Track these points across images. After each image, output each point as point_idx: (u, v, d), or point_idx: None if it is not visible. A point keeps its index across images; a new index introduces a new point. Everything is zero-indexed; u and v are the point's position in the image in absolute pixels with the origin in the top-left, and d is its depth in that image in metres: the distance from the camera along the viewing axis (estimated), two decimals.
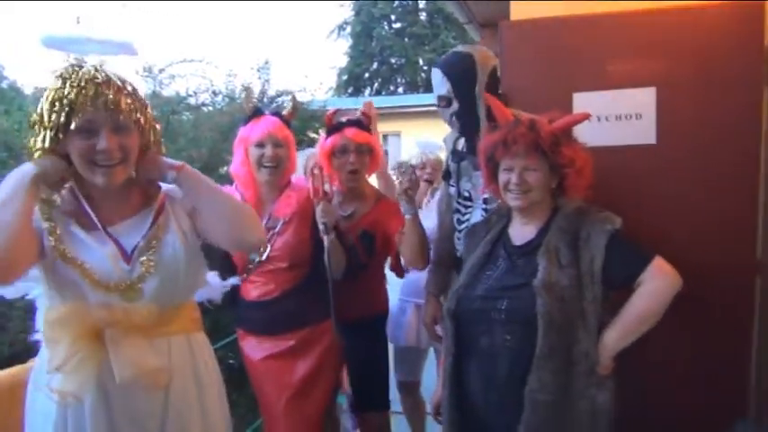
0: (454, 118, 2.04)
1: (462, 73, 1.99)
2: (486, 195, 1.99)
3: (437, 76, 2.04)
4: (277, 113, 2.19)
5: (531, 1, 2.42)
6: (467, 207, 2.07)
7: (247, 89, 2.55)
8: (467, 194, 2.06)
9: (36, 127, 1.32)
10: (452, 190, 2.14)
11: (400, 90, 23.06)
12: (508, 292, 1.56)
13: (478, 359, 1.60)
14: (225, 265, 2.05)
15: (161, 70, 3.70)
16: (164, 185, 1.50)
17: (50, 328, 1.32)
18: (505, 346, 1.53)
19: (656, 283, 1.49)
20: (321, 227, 2.06)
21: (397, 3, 22.87)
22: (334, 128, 2.32)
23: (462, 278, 1.70)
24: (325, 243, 2.08)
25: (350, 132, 2.29)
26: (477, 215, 2.02)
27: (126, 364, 1.32)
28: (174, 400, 1.42)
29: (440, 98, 2.05)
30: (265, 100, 4.06)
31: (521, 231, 1.66)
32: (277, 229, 2.09)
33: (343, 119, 2.34)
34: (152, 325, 1.38)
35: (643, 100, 2.15)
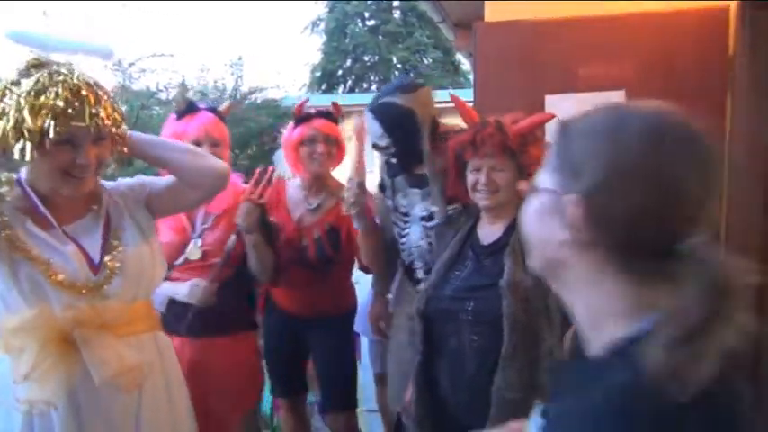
0: (392, 159, 2.04)
1: (404, 130, 1.91)
2: (423, 213, 1.98)
3: (374, 126, 1.94)
4: (213, 109, 2.13)
5: (505, 2, 2.44)
6: (405, 222, 2.06)
7: (182, 84, 2.49)
8: (403, 210, 2.05)
9: (11, 132, 1.22)
10: (389, 203, 2.13)
11: (373, 88, 23.04)
12: (475, 292, 1.57)
13: (448, 359, 1.61)
14: None
15: (131, 64, 3.64)
16: (107, 183, 1.48)
17: (14, 336, 1.27)
18: (473, 346, 1.55)
19: None
20: (239, 226, 2.04)
21: (370, 1, 22.84)
22: (302, 118, 2.29)
23: (431, 278, 1.71)
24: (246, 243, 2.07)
25: (318, 123, 2.27)
26: (416, 231, 2.01)
27: (103, 365, 1.30)
28: (147, 399, 1.40)
29: (376, 145, 2.00)
30: (238, 96, 4.03)
31: (488, 230, 1.68)
32: (208, 224, 2.06)
33: (312, 110, 2.32)
34: (122, 323, 1.36)
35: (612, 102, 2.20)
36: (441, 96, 2.31)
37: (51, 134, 1.21)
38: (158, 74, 4.60)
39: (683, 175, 0.65)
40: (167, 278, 1.94)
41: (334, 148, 2.32)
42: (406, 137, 1.91)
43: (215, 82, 4.03)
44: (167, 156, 1.51)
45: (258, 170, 2.11)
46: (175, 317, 1.95)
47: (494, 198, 1.62)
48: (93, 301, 1.32)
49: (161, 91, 3.80)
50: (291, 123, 2.33)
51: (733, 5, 2.12)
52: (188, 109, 2.06)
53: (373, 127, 1.94)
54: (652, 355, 0.59)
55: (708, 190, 0.67)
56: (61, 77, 1.25)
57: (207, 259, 2.05)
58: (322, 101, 2.66)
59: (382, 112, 1.92)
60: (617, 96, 2.19)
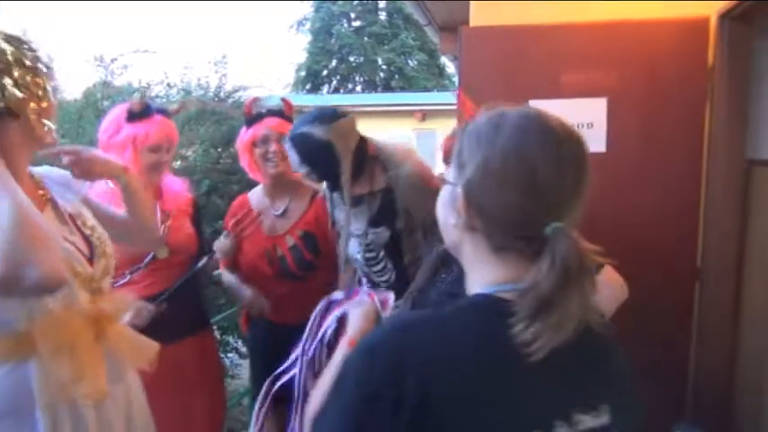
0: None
1: (320, 161, 1.88)
2: (357, 232, 1.97)
3: (292, 154, 1.90)
4: (164, 111, 2.07)
5: (491, 6, 2.46)
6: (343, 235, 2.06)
7: (146, 87, 2.45)
8: (340, 224, 2.04)
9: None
10: (330, 215, 2.12)
11: (358, 89, 23.04)
12: (460, 298, 1.58)
13: None
14: None
15: (113, 59, 3.60)
16: (35, 169, 1.38)
17: (44, 338, 1.16)
18: None
19: (605, 292, 1.45)
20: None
21: (356, 1, 22.83)
22: (253, 118, 2.21)
23: (417, 280, 1.70)
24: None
25: (271, 122, 2.19)
26: (354, 244, 2.00)
27: (136, 352, 1.32)
28: (132, 390, 1.40)
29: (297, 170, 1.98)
30: (222, 94, 4.00)
31: None
32: (169, 222, 2.04)
33: (263, 109, 2.24)
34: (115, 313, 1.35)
35: (595, 109, 2.23)
36: (425, 98, 2.32)
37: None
38: (141, 70, 4.55)
39: (544, 176, 0.77)
40: (130, 282, 1.93)
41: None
42: (323, 167, 1.89)
43: (198, 80, 4.00)
44: (141, 210, 1.52)
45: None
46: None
47: None
48: (95, 293, 1.30)
49: (143, 87, 3.75)
50: (244, 126, 2.25)
51: (713, 17, 2.16)
52: (144, 111, 1.96)
53: (292, 156, 1.91)
54: (517, 324, 0.73)
55: (568, 187, 0.80)
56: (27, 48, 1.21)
57: (173, 257, 2.03)
58: (307, 101, 2.65)
59: (298, 144, 1.87)
60: (600, 104, 2.22)
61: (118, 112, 1.99)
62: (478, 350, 0.76)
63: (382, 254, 2.00)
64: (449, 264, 1.68)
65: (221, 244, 2.22)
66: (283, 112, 2.24)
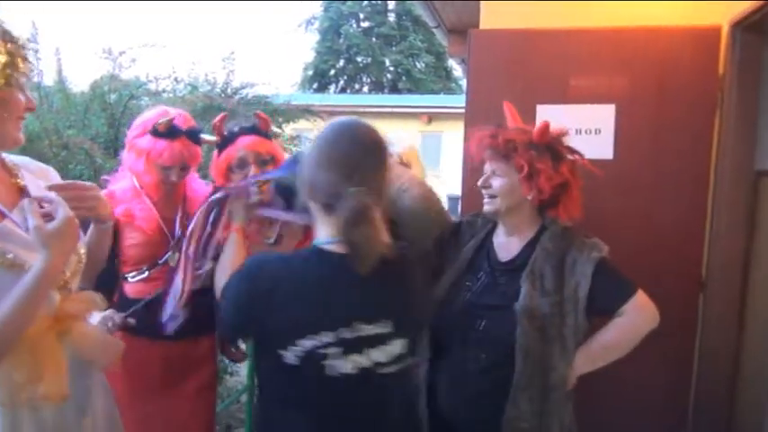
0: None
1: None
2: None
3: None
4: (194, 134, 1.97)
5: (501, 9, 2.45)
6: None
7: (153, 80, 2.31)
8: None
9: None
10: None
11: (365, 89, 23.04)
12: (488, 312, 1.52)
13: (449, 370, 1.59)
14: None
15: (121, 52, 3.59)
16: (13, 157, 1.33)
17: None
18: (479, 362, 1.52)
19: (634, 319, 1.49)
20: None
21: (366, 2, 22.83)
22: (225, 140, 1.95)
23: (442, 284, 1.65)
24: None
25: (245, 141, 1.92)
26: None
27: (89, 351, 1.28)
28: (96, 390, 1.38)
29: None
30: (229, 90, 3.99)
31: (505, 244, 1.63)
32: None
33: (235, 128, 1.98)
34: (83, 308, 1.31)
35: (603, 116, 2.21)
36: (432, 101, 2.30)
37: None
38: (148, 64, 4.55)
39: (343, 158, 1.21)
40: (148, 279, 1.90)
41: (271, 168, 1.97)
42: None
43: (206, 75, 3.99)
44: (100, 255, 1.53)
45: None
46: (142, 319, 1.85)
47: (492, 203, 1.59)
48: (63, 292, 1.26)
49: (150, 81, 3.75)
50: (215, 150, 2.01)
51: (725, 26, 2.15)
52: (168, 133, 1.88)
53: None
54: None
55: (362, 165, 1.20)
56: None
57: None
58: (313, 100, 2.62)
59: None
60: (608, 110, 2.21)
61: (153, 114, 1.93)
62: (300, 274, 1.22)
63: None
64: (476, 270, 1.65)
65: None
66: (258, 129, 1.97)
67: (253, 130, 1.95)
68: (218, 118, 1.98)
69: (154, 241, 1.92)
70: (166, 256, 1.94)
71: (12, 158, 1.34)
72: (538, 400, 1.46)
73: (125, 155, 1.96)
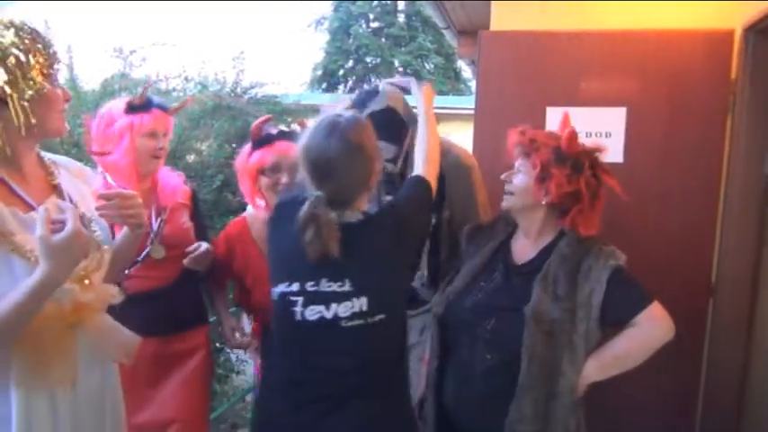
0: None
1: (395, 132, 1.89)
2: None
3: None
4: (164, 107, 2.01)
5: (511, 12, 2.44)
6: None
7: (163, 80, 2.35)
8: None
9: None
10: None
11: None
12: (498, 312, 1.52)
13: (456, 369, 1.59)
14: None
15: (132, 51, 3.61)
16: (53, 156, 1.40)
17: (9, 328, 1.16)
18: (485, 363, 1.51)
19: (648, 330, 1.47)
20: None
21: (375, 2, 22.83)
22: (262, 140, 1.98)
23: (455, 283, 1.66)
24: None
25: (282, 146, 1.93)
26: None
27: (107, 341, 1.31)
28: (108, 383, 1.39)
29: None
30: (239, 90, 4.00)
31: (522, 247, 1.63)
32: (164, 216, 1.97)
33: (274, 131, 2.01)
34: (101, 302, 1.34)
35: (614, 119, 2.20)
36: (441, 102, 2.29)
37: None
38: (159, 63, 4.57)
39: (314, 162, 1.40)
40: (128, 276, 1.89)
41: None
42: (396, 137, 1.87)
43: (216, 74, 4.01)
44: (125, 258, 1.54)
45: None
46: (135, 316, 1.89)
47: (507, 200, 1.59)
48: (83, 285, 1.28)
49: (161, 80, 3.76)
50: (248, 146, 2.01)
51: (738, 30, 2.13)
52: (145, 105, 1.95)
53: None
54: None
55: (332, 168, 1.39)
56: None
57: (169, 251, 1.99)
58: (322, 99, 2.61)
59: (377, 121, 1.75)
60: (619, 113, 2.19)
61: (110, 106, 1.98)
62: (290, 225, 1.40)
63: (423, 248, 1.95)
64: (491, 271, 1.64)
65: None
66: (296, 136, 1.94)
67: (291, 136, 1.96)
68: (259, 120, 2.04)
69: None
70: (146, 250, 1.95)
71: (51, 157, 1.40)
72: (542, 404, 1.45)
73: (94, 149, 1.94)
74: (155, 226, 1.95)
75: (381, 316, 1.40)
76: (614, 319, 1.48)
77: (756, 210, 2.14)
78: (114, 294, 1.35)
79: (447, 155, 1.83)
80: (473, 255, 1.69)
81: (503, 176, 1.60)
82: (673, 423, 2.17)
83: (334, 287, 1.37)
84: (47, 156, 1.39)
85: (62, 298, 1.22)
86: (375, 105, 1.83)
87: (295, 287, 1.39)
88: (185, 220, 2.09)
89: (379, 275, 1.43)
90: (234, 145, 3.58)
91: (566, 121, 1.67)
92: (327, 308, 1.37)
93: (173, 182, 2.10)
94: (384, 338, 1.44)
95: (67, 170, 1.42)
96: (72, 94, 3.68)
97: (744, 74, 2.12)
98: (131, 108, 1.92)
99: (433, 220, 1.90)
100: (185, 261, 1.93)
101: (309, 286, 1.38)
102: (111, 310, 1.79)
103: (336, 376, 1.41)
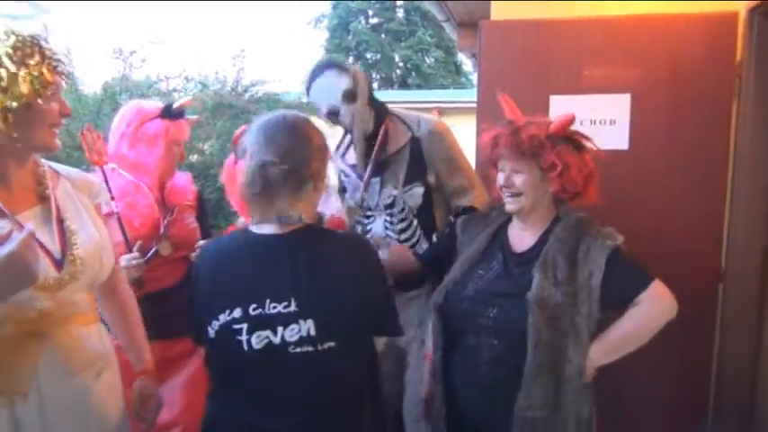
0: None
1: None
2: (387, 201, 1.97)
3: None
4: (186, 117, 2.11)
5: (511, 2, 2.42)
6: (368, 217, 2.04)
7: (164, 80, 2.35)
8: (367, 205, 2.03)
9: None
10: (351, 203, 2.09)
11: (375, 86, 23.00)
12: (499, 299, 1.51)
13: (462, 357, 1.58)
14: None
15: (132, 52, 3.61)
16: (53, 164, 1.39)
17: None
18: (492, 349, 1.51)
19: (651, 308, 1.46)
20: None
21: None
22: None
23: (453, 272, 1.65)
24: None
25: None
26: (378, 223, 2.00)
27: (70, 356, 1.27)
28: (100, 388, 1.37)
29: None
30: (239, 88, 4.00)
31: (519, 236, 1.62)
32: (171, 217, 2.01)
33: None
34: (81, 314, 1.33)
35: (618, 106, 2.18)
36: (442, 96, 2.28)
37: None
38: (159, 63, 4.58)
39: (274, 142, 1.27)
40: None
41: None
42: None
43: (216, 73, 4.01)
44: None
45: None
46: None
47: (517, 202, 1.57)
48: (56, 296, 1.26)
49: (161, 81, 3.76)
50: (231, 156, 1.91)
51: (742, 12, 2.10)
52: (181, 113, 2.04)
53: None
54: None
55: (291, 147, 1.27)
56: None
57: (175, 252, 2.00)
58: None
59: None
60: (623, 100, 2.17)
61: (139, 106, 2.01)
62: (222, 252, 1.35)
63: (415, 222, 1.98)
64: (489, 259, 1.63)
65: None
66: None
67: None
68: (240, 130, 1.93)
69: (142, 236, 1.92)
70: (153, 249, 1.95)
71: (55, 167, 1.40)
72: (551, 390, 1.44)
73: (125, 150, 1.96)
74: (162, 225, 1.97)
75: (330, 344, 1.23)
76: (616, 300, 1.48)
77: (765, 193, 2.12)
78: (84, 307, 1.33)
79: (420, 126, 1.99)
80: (468, 244, 1.68)
81: (501, 183, 1.58)
82: (685, 407, 2.16)
83: (279, 308, 1.22)
84: (52, 166, 1.38)
85: (25, 304, 1.20)
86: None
87: (237, 313, 1.22)
88: (192, 220, 2.11)
89: (328, 295, 1.25)
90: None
91: (507, 103, 1.68)
92: (274, 332, 1.22)
93: (181, 182, 2.12)
94: (336, 371, 1.25)
95: (72, 182, 1.41)
96: (73, 98, 3.70)
97: (749, 56, 2.09)
98: (168, 114, 1.99)
99: (422, 190, 1.96)
100: (192, 256, 1.96)
101: (253, 309, 1.22)
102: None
103: (284, 415, 1.24)
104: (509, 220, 1.66)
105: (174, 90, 3.79)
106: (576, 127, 1.60)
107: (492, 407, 1.51)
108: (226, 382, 1.31)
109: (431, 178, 1.97)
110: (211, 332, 1.26)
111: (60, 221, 1.32)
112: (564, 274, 1.47)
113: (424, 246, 2.00)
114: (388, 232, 1.99)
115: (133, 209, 1.90)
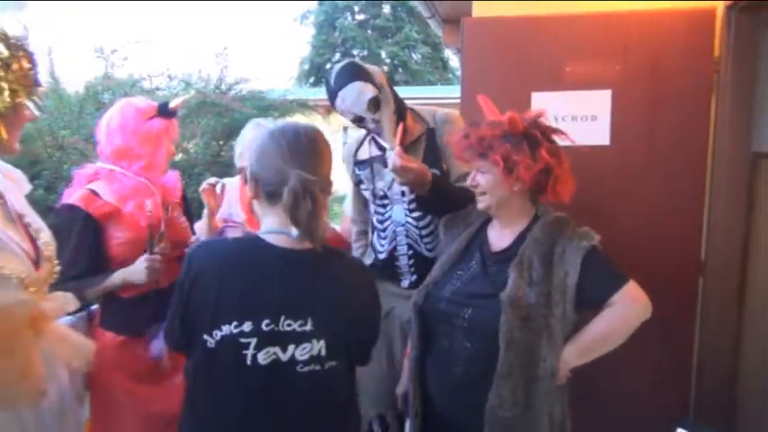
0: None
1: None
2: (404, 188, 1.97)
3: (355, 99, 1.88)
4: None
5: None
6: (385, 206, 2.05)
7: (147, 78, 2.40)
8: (382, 194, 2.04)
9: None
10: (367, 194, 2.10)
11: None
12: (474, 300, 1.52)
13: (437, 358, 1.59)
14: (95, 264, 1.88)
15: (113, 51, 3.58)
16: None
17: None
18: (464, 351, 1.51)
19: (625, 309, 1.47)
20: None
21: None
22: None
23: (433, 273, 1.66)
24: None
25: None
26: (399, 210, 2.01)
27: (72, 352, 1.29)
28: (64, 389, 1.38)
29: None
30: (223, 86, 3.98)
31: (498, 235, 1.63)
32: (169, 214, 2.03)
33: None
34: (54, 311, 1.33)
35: (599, 101, 2.20)
36: (429, 92, 2.28)
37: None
38: (141, 62, 4.54)
39: (285, 148, 1.24)
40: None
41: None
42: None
43: (200, 71, 3.99)
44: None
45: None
46: (138, 317, 1.89)
47: (483, 201, 1.58)
48: (41, 294, 1.27)
49: (144, 79, 3.74)
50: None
51: (719, 8, 2.13)
52: (175, 112, 2.06)
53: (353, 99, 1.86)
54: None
55: (302, 153, 1.24)
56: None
57: (172, 250, 1.99)
58: (309, 94, 2.61)
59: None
60: (604, 96, 2.19)
61: (135, 105, 1.98)
62: (233, 259, 1.26)
63: None
64: (468, 259, 1.64)
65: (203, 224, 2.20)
66: None
67: None
68: None
69: (143, 238, 1.91)
70: (157, 249, 1.94)
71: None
72: (522, 390, 1.45)
73: (137, 149, 1.94)
74: (163, 225, 1.98)
75: (333, 363, 1.25)
76: (590, 300, 1.49)
77: (743, 186, 2.15)
78: (70, 302, 1.33)
79: (435, 117, 2.02)
80: (449, 243, 1.69)
81: (467, 183, 1.60)
82: (666, 402, 2.18)
83: (295, 326, 1.21)
84: None
85: (21, 307, 1.19)
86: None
87: (247, 327, 1.19)
88: (184, 219, 2.13)
89: (341, 317, 1.27)
90: (221, 142, 3.56)
91: (486, 103, 1.67)
92: (284, 350, 1.21)
93: (171, 180, 2.12)
94: (336, 387, 1.30)
95: (4, 174, 1.39)
96: (54, 97, 3.67)
97: (727, 52, 2.12)
98: (166, 112, 2.01)
99: (438, 172, 1.94)
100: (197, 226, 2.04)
101: (265, 325, 1.19)
102: (129, 309, 1.87)
103: (279, 428, 1.26)
104: (489, 219, 1.67)
105: (158, 89, 3.77)
106: (557, 123, 1.61)
107: (465, 406, 1.52)
108: (218, 396, 1.24)
109: (444, 165, 1.98)
110: (211, 342, 1.20)
111: (20, 219, 1.31)
112: (539, 274, 1.47)
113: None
114: (408, 219, 1.99)
115: (141, 209, 1.90)
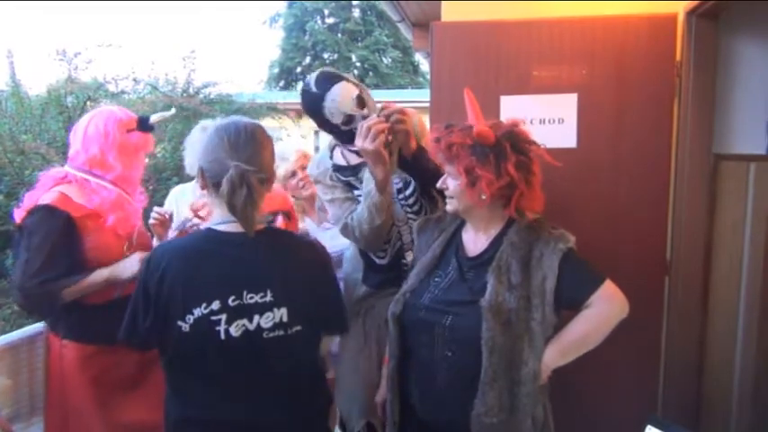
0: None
1: None
2: (399, 185, 1.95)
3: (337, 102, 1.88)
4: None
5: (462, 3, 2.45)
6: None
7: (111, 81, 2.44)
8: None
9: None
10: (362, 198, 2.01)
11: None
12: (454, 307, 1.51)
13: (418, 368, 1.58)
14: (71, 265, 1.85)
15: (76, 54, 3.49)
16: None
17: None
18: (446, 360, 1.50)
19: (602, 309, 1.48)
20: None
21: None
22: None
23: (410, 281, 1.64)
24: None
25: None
26: (398, 209, 1.98)
27: None
28: None
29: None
30: (191, 90, 3.93)
31: (473, 240, 1.61)
32: (140, 223, 2.05)
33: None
34: None
35: (566, 105, 2.23)
36: (400, 96, 2.28)
37: None
38: (106, 65, 4.45)
39: (226, 142, 1.38)
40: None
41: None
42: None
43: (166, 75, 3.92)
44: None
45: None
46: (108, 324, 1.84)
47: (450, 203, 1.57)
48: None
49: (108, 83, 3.66)
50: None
51: (680, 13, 2.18)
52: (153, 127, 2.08)
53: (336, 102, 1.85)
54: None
55: (241, 146, 1.38)
56: None
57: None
58: (278, 97, 2.60)
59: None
60: (570, 99, 2.23)
61: (116, 116, 1.97)
62: (189, 251, 1.42)
63: (425, 204, 1.96)
64: (445, 265, 1.61)
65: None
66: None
67: None
68: None
69: (120, 245, 1.91)
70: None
71: None
72: (507, 395, 1.45)
73: (113, 161, 1.92)
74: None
75: (298, 327, 1.43)
76: (569, 302, 1.50)
77: (706, 187, 2.21)
78: None
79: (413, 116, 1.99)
80: (424, 250, 1.67)
81: (438, 184, 1.59)
82: (636, 399, 2.23)
83: (256, 298, 1.38)
84: None
85: None
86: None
87: (215, 305, 1.35)
88: (142, 224, 2.10)
89: (296, 286, 1.44)
90: None
91: (471, 101, 1.63)
92: (250, 320, 1.38)
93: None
94: (303, 351, 1.48)
95: None
96: (15, 101, 3.57)
97: (688, 57, 2.17)
98: (145, 127, 2.05)
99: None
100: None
101: (232, 300, 1.36)
102: (97, 316, 1.82)
103: (264, 395, 1.42)
104: (464, 222, 1.66)
105: (123, 92, 3.69)
106: (526, 126, 1.58)
107: (450, 415, 1.51)
108: (200, 375, 1.39)
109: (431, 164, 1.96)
110: (185, 327, 1.35)
111: None
112: (518, 278, 1.47)
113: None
114: (409, 215, 1.96)
115: (127, 222, 1.93)
